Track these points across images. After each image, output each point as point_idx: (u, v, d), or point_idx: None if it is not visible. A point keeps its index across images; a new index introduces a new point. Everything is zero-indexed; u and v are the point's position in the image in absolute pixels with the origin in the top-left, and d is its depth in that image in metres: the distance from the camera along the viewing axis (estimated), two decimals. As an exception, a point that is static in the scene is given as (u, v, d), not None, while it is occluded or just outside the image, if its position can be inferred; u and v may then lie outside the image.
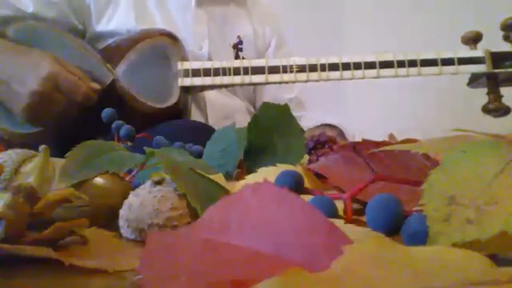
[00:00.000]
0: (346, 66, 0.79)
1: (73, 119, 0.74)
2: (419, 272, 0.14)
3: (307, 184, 0.31)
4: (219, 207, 0.21)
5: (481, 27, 0.80)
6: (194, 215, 0.30)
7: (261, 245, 0.17)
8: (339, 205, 0.27)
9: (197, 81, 0.80)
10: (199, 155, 0.52)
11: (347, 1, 1.78)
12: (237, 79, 0.79)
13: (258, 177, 0.39)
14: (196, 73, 0.80)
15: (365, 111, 1.56)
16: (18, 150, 0.31)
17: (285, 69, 0.79)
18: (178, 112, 0.80)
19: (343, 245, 0.15)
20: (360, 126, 0.95)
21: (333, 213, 0.26)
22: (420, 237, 0.20)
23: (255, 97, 1.08)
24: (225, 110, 0.96)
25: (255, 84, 0.91)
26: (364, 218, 0.24)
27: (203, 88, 0.84)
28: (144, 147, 0.38)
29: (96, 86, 0.75)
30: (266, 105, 0.51)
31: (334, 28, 1.74)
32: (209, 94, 0.93)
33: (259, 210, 0.19)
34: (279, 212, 0.18)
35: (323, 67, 0.79)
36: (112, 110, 0.56)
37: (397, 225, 0.22)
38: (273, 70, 0.79)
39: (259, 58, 0.99)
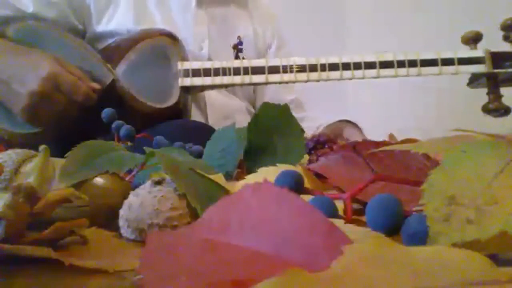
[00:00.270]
0: (346, 66, 0.79)
1: (73, 119, 0.74)
2: (419, 272, 0.14)
3: (307, 184, 0.31)
4: (219, 207, 0.21)
5: (481, 27, 0.80)
6: (194, 215, 0.30)
7: (261, 245, 0.17)
8: (339, 205, 0.27)
9: (197, 81, 0.80)
10: (199, 155, 0.52)
11: (347, 1, 1.78)
12: (237, 79, 0.79)
13: (258, 177, 0.39)
14: (196, 73, 0.80)
15: (365, 111, 1.55)
16: (18, 150, 0.31)
17: (285, 69, 0.79)
18: (178, 112, 0.80)
19: (343, 245, 0.15)
20: (360, 126, 0.95)
21: (333, 213, 0.26)
22: (420, 237, 0.20)
23: (255, 97, 1.08)
24: (225, 110, 0.96)
25: (255, 84, 0.91)
26: (364, 218, 0.24)
27: (203, 88, 0.84)
28: (144, 147, 0.38)
29: (96, 86, 0.75)
30: (266, 105, 0.51)
31: (334, 28, 1.74)
32: (209, 94, 0.93)
33: (259, 210, 0.19)
34: (279, 212, 0.18)
35: (323, 67, 0.79)
36: (112, 110, 0.56)
37: (397, 225, 0.22)
38: (273, 70, 0.79)
39: (259, 58, 0.99)
